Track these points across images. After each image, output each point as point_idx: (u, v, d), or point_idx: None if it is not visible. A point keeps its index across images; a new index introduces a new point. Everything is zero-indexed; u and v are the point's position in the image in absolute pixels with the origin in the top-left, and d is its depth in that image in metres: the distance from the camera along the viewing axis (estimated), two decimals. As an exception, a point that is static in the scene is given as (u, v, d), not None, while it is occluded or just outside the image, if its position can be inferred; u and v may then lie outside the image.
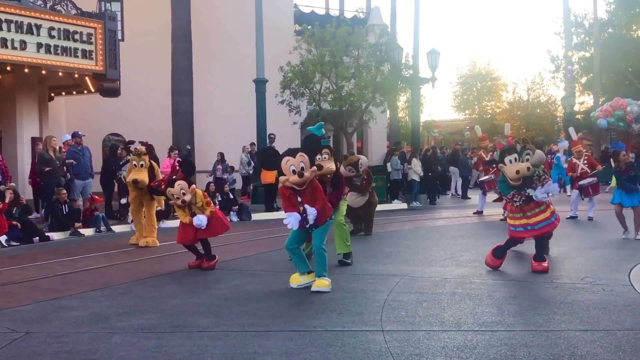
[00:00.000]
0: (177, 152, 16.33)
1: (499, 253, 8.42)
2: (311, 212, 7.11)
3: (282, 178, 7.11)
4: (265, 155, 7.32)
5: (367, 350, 4.93)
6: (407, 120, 37.02)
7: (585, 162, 14.55)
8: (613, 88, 36.43)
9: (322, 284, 7.14)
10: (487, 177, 15.64)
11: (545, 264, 8.20)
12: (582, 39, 41.10)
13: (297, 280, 7.42)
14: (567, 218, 14.17)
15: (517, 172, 7.94)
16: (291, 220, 7.18)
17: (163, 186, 8.69)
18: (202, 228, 8.71)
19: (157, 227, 11.81)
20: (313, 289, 7.12)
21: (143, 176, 11.16)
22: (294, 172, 6.96)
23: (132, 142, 11.65)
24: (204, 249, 8.94)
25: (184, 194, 8.57)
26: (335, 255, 8.99)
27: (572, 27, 38.57)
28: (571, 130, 15.90)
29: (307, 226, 7.21)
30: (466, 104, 53.56)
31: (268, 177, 17.79)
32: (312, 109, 20.93)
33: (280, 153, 7.21)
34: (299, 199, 7.15)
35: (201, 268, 8.74)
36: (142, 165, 11.19)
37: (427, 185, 20.79)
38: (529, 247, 9.49)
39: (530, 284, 7.48)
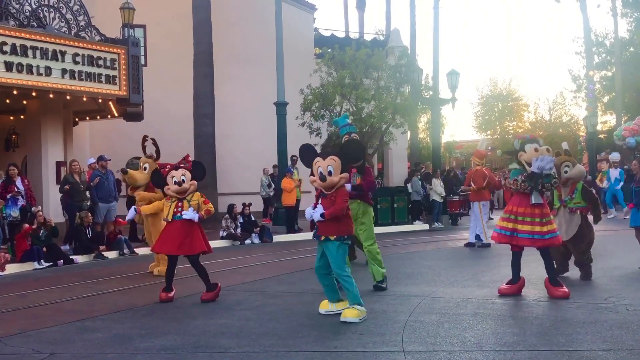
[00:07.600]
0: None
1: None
2: (308, 211, 6.78)
3: (310, 178, 6.88)
4: (302, 152, 7.15)
5: (388, 371, 4.93)
6: (428, 141, 36.99)
7: None
8: (635, 107, 36.23)
9: (351, 314, 6.62)
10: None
11: (564, 289, 7.77)
12: (604, 58, 41.02)
13: (325, 306, 7.14)
14: None
15: (536, 150, 7.76)
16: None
17: (168, 168, 8.23)
18: (194, 220, 8.05)
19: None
20: (341, 319, 6.67)
21: (139, 174, 10.82)
22: (320, 174, 6.67)
23: (146, 139, 11.18)
24: (201, 277, 8.16)
25: (183, 180, 8.05)
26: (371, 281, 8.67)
27: (593, 46, 38.50)
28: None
29: (313, 235, 6.96)
30: (487, 124, 53.48)
31: (289, 199, 17.90)
32: (333, 131, 21.04)
33: (318, 153, 6.88)
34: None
35: (201, 300, 8.00)
36: (145, 169, 10.85)
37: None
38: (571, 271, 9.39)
39: (552, 304, 7.42)
